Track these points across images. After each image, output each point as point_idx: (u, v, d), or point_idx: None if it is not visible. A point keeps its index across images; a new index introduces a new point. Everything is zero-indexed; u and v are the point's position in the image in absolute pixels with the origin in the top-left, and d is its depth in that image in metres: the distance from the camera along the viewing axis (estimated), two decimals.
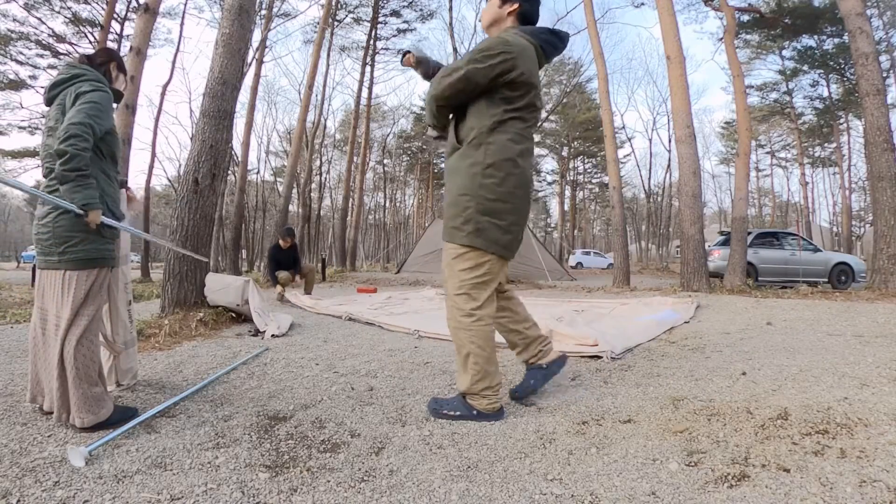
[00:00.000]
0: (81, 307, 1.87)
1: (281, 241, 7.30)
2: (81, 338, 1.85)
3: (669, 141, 25.82)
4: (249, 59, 13.27)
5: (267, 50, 16.68)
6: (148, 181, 16.51)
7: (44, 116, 2.16)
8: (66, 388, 1.82)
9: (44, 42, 15.45)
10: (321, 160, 26.65)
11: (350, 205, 21.75)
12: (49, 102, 1.98)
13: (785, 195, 37.50)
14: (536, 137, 33.07)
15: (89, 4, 15.04)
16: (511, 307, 2.17)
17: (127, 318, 2.34)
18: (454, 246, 1.93)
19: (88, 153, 1.82)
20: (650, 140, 47.63)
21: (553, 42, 2.01)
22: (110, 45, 13.96)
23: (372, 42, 20.89)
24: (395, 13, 21.75)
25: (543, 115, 26.81)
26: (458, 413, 1.95)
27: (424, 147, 35.21)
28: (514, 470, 1.52)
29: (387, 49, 22.92)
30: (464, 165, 1.91)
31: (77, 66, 2.02)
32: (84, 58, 2.10)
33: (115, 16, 13.73)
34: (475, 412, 1.93)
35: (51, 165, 1.87)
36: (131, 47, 7.66)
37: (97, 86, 1.96)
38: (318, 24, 14.22)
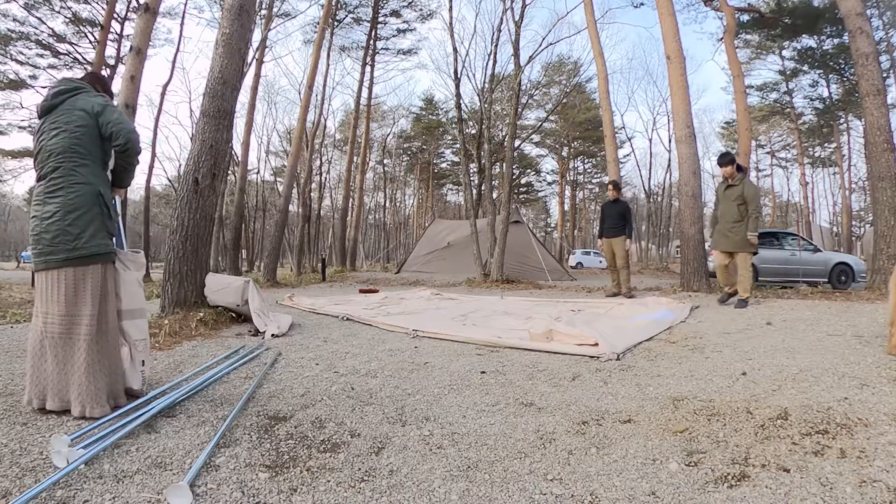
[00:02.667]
0: (90, 303, 1.94)
1: None
2: (99, 332, 1.94)
3: (669, 141, 25.84)
4: (249, 59, 13.27)
5: (267, 50, 16.68)
6: (148, 181, 16.52)
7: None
8: (87, 383, 1.88)
9: (44, 42, 15.44)
10: (321, 160, 26.62)
11: (350, 205, 21.74)
12: (49, 110, 2.06)
13: (785, 195, 37.51)
14: (536, 138, 32.78)
15: (89, 4, 15.03)
16: None
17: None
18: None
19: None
20: (650, 140, 47.76)
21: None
22: (110, 45, 13.99)
23: (372, 42, 20.90)
24: (395, 13, 21.76)
25: (543, 114, 26.84)
26: None
27: (424, 147, 35.22)
28: (514, 470, 1.52)
29: (387, 49, 22.96)
30: None
31: (76, 80, 2.17)
32: (92, 77, 2.28)
33: (115, 16, 13.73)
34: None
35: (57, 163, 1.97)
36: (131, 47, 7.66)
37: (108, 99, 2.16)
38: (318, 24, 14.21)
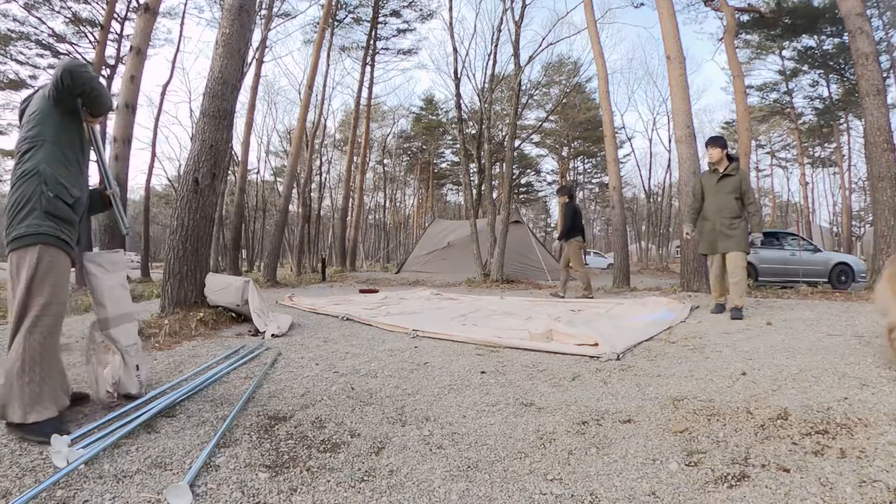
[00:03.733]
0: (28, 294, 1.79)
1: None
2: (31, 328, 1.77)
3: (669, 141, 25.79)
4: (249, 59, 13.26)
5: (267, 50, 16.66)
6: (148, 181, 16.49)
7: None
8: (11, 380, 1.75)
9: (44, 42, 15.43)
10: (321, 160, 26.62)
11: (350, 205, 21.74)
12: (22, 115, 2.07)
13: (785, 195, 37.49)
14: (536, 138, 32.79)
15: (89, 4, 15.02)
16: None
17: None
18: None
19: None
20: (650, 140, 47.73)
21: None
22: (110, 45, 14.00)
23: (372, 42, 20.90)
24: (395, 13, 21.76)
25: (543, 114, 26.84)
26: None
27: (424, 147, 35.22)
28: (514, 470, 1.52)
29: (387, 49, 22.97)
30: None
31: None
32: None
33: (115, 16, 13.72)
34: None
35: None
36: (131, 47, 7.67)
37: None
38: (318, 24, 14.21)
